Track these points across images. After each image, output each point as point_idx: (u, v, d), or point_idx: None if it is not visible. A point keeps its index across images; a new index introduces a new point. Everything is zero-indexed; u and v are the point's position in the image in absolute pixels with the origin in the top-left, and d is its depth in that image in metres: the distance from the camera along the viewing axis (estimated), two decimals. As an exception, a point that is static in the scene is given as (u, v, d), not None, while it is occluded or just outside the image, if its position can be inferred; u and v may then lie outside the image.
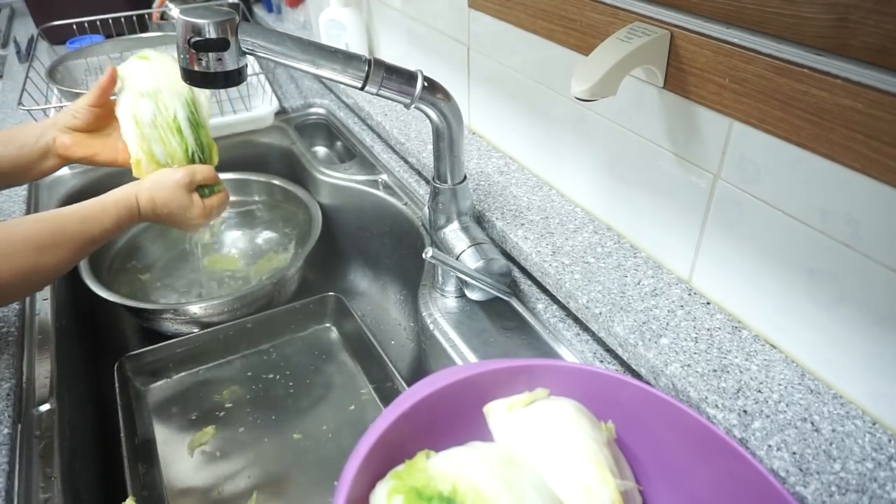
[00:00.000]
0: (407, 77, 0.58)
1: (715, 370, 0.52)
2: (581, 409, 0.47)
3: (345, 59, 0.56)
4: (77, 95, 0.96)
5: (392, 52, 1.10)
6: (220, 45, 0.54)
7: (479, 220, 0.75)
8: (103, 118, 0.75)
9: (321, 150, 1.21)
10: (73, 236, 0.63)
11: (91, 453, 0.69)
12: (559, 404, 0.47)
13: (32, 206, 0.91)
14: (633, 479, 0.47)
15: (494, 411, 0.48)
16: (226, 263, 1.01)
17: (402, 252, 0.93)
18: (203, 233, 1.01)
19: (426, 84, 0.59)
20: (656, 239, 0.64)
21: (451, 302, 0.72)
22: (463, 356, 0.66)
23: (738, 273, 0.56)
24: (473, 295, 0.69)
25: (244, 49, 0.55)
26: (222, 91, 1.12)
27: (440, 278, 0.73)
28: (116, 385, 0.77)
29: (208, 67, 0.55)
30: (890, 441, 0.46)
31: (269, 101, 1.10)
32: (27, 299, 0.74)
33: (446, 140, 0.63)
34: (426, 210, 0.71)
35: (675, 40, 0.52)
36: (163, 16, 1.37)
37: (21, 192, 0.90)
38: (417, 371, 0.85)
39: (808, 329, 0.51)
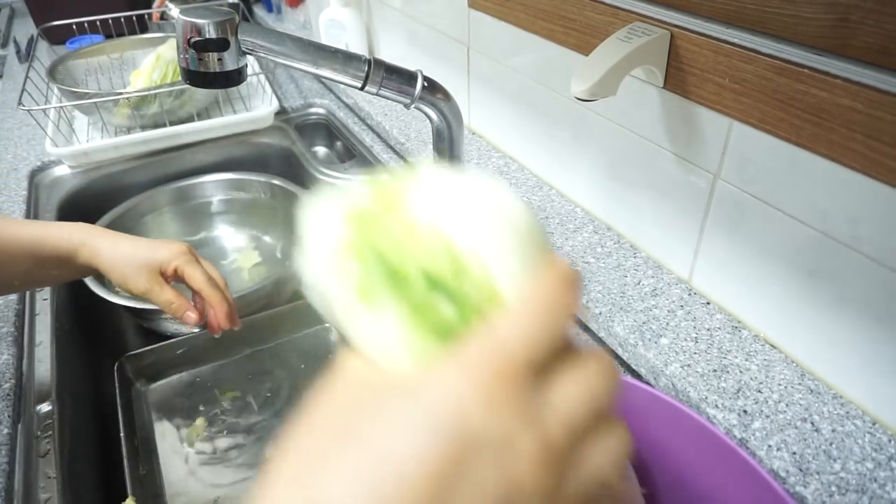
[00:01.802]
0: (407, 77, 0.58)
1: (715, 370, 0.52)
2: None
3: (345, 59, 0.56)
4: (77, 95, 0.97)
5: (392, 52, 1.10)
6: (220, 45, 0.54)
7: (479, 220, 0.75)
8: None
9: (321, 150, 1.21)
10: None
11: (91, 453, 0.69)
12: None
13: (32, 205, 0.91)
14: (637, 484, 0.47)
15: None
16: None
17: (402, 252, 0.93)
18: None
19: (426, 84, 0.59)
20: (656, 239, 0.64)
21: (451, 302, 0.72)
22: (463, 356, 0.66)
23: (738, 273, 0.56)
24: (473, 295, 0.69)
25: (244, 49, 0.55)
26: (222, 91, 1.12)
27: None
28: (116, 385, 0.77)
29: (208, 67, 0.55)
30: (890, 441, 0.46)
31: (269, 101, 1.09)
32: (27, 299, 0.74)
33: (446, 140, 0.63)
34: (426, 210, 0.71)
35: (675, 40, 0.52)
36: (163, 16, 1.37)
37: (21, 191, 0.90)
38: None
39: (808, 329, 0.51)
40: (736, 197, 0.53)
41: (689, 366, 0.52)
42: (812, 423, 0.47)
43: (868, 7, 0.38)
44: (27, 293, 0.74)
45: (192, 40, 0.53)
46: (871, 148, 0.41)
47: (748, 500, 0.42)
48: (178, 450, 0.75)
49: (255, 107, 1.10)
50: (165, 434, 0.77)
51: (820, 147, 0.44)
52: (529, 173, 0.81)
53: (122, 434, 0.72)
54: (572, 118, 0.70)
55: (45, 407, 0.62)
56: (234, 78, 0.56)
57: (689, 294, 0.60)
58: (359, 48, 1.13)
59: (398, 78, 0.58)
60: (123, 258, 0.59)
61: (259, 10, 1.58)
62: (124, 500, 0.64)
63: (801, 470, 0.44)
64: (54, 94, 1.11)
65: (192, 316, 0.61)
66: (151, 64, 1.06)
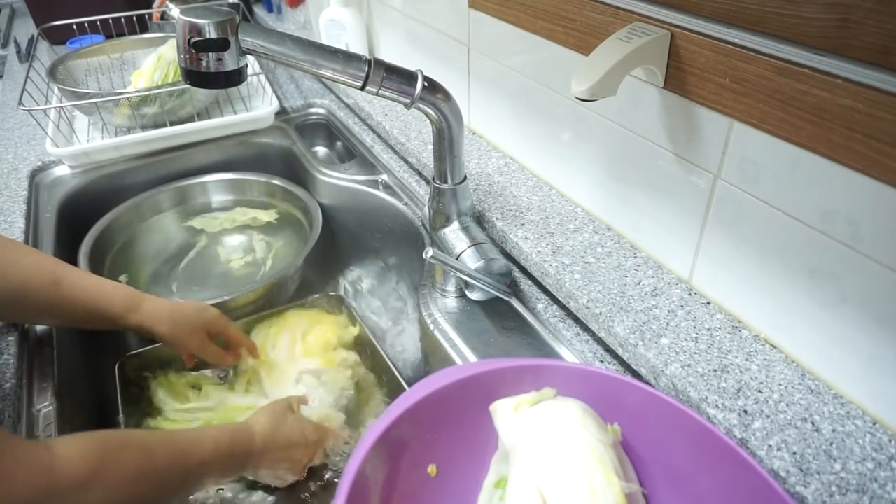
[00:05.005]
0: (407, 77, 0.58)
1: (715, 370, 0.52)
2: (588, 410, 0.47)
3: (345, 59, 0.56)
4: (78, 95, 0.97)
5: (392, 52, 1.10)
6: (221, 45, 0.54)
7: (479, 220, 0.75)
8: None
9: (321, 150, 1.21)
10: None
11: (91, 453, 0.69)
12: (566, 404, 0.47)
13: (32, 205, 0.91)
14: (637, 482, 0.47)
15: (500, 410, 0.48)
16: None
17: (402, 252, 0.93)
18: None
19: (426, 84, 0.59)
20: (656, 239, 0.64)
21: (451, 302, 0.72)
22: (463, 356, 0.66)
23: (738, 273, 0.56)
24: (474, 295, 0.69)
25: (244, 49, 0.55)
26: (222, 91, 1.12)
27: (440, 278, 0.73)
28: (117, 385, 0.77)
29: (208, 67, 0.55)
30: (890, 441, 0.46)
31: (269, 101, 1.10)
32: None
33: (446, 140, 0.63)
34: (426, 210, 0.71)
35: (675, 40, 0.52)
36: (163, 16, 1.37)
37: (21, 191, 0.90)
38: (418, 371, 0.85)
39: (809, 329, 0.51)
40: (736, 197, 0.53)
41: (689, 366, 0.52)
42: (812, 423, 0.47)
43: (868, 7, 0.38)
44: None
45: (192, 40, 0.53)
46: (872, 148, 0.41)
47: (748, 501, 0.42)
48: (178, 450, 0.75)
49: (255, 107, 1.10)
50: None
51: (820, 147, 0.44)
52: (529, 173, 0.81)
53: (122, 434, 0.72)
54: (572, 118, 0.70)
55: (45, 407, 0.62)
56: (234, 78, 0.56)
57: (690, 294, 0.60)
58: (359, 48, 1.13)
59: (398, 78, 0.58)
60: (180, 321, 0.71)
61: (259, 10, 1.58)
62: (124, 500, 0.64)
63: (801, 470, 0.44)
64: (54, 94, 1.11)
65: (231, 360, 0.78)
66: (153, 64, 1.06)
